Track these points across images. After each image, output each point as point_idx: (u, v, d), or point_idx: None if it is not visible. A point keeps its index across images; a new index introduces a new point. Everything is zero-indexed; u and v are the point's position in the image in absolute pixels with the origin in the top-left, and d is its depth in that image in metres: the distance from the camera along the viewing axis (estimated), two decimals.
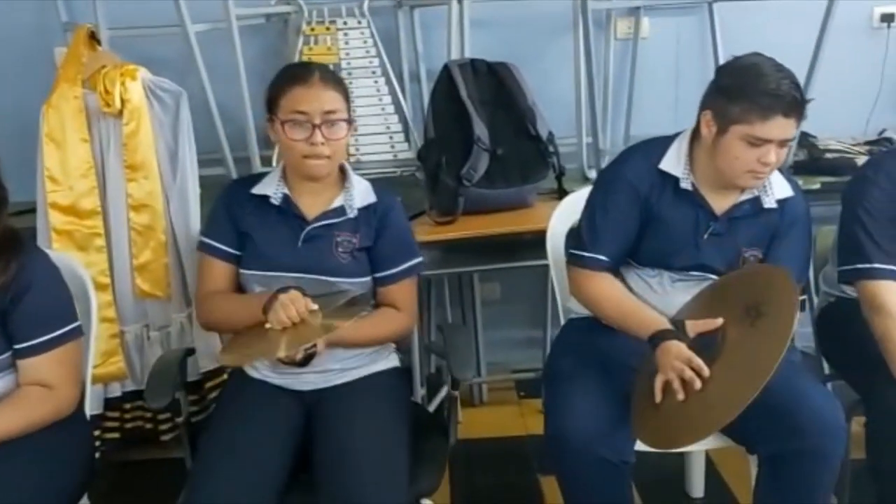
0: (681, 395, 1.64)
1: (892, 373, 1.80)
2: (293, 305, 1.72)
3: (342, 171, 1.93)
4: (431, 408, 2.62)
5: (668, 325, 1.76)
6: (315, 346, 1.75)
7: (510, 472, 2.62)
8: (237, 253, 1.89)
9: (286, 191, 1.88)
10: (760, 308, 1.70)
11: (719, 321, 1.73)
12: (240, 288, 1.91)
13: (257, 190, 1.90)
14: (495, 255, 2.58)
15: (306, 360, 1.79)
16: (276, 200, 1.87)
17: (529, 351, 3.13)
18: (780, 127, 1.72)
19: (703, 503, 2.44)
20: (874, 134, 2.95)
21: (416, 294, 1.97)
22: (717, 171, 1.83)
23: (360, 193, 1.91)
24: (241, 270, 1.88)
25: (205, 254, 1.91)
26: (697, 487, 2.45)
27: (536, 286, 3.00)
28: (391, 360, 1.96)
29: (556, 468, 1.80)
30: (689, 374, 1.64)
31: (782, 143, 1.75)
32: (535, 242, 2.27)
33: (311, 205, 1.88)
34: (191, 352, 2.04)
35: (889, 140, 2.88)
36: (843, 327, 1.98)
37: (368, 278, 1.90)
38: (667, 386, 1.68)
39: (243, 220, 1.88)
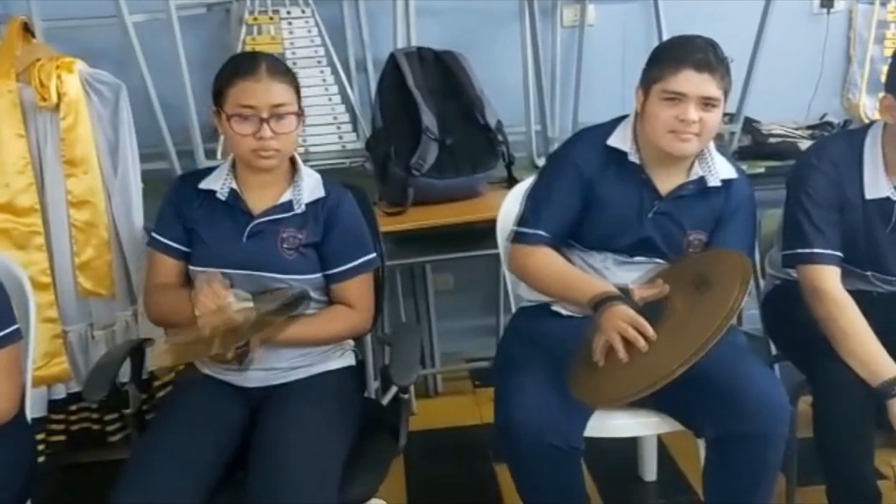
0: (622, 355, 1.65)
1: (836, 353, 1.84)
2: (208, 287, 1.70)
3: (293, 163, 1.89)
4: (385, 400, 2.60)
5: (613, 290, 1.77)
6: (248, 345, 1.71)
7: (466, 462, 2.62)
8: (185, 249, 1.85)
9: (234, 185, 1.84)
10: (708, 279, 1.72)
11: (666, 288, 1.76)
12: (190, 285, 1.85)
13: (204, 185, 1.86)
14: (447, 245, 2.58)
15: (241, 360, 1.76)
16: (222, 195, 1.83)
17: (483, 339, 3.13)
18: (691, 81, 1.76)
19: (655, 486, 2.47)
20: (816, 118, 3.00)
21: (372, 291, 1.92)
22: (650, 143, 1.86)
23: (309, 188, 1.86)
24: (191, 267, 1.84)
25: (153, 249, 1.89)
26: (650, 471, 2.47)
27: (490, 275, 3.00)
28: (346, 359, 1.93)
29: (506, 456, 1.80)
30: (632, 333, 1.65)
31: (703, 103, 1.78)
32: (486, 231, 2.26)
33: (259, 199, 1.84)
34: (147, 341, 1.96)
35: (830, 124, 2.93)
36: (789, 309, 2.01)
37: (318, 275, 1.85)
38: (609, 349, 1.68)
39: (190, 216, 1.85)
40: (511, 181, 2.61)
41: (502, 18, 2.93)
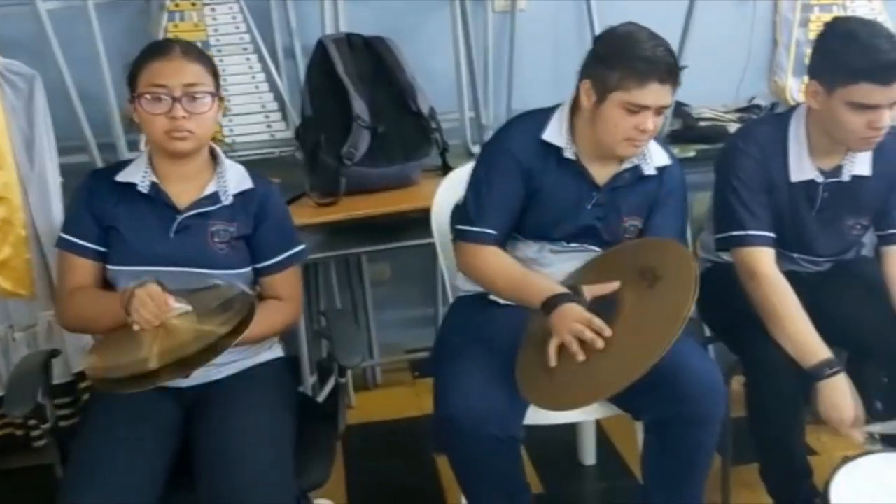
0: (581, 357, 1.64)
1: (768, 333, 1.87)
2: (151, 301, 1.60)
3: (213, 155, 1.84)
4: (322, 396, 2.56)
5: (563, 290, 1.76)
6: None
7: (406, 454, 2.60)
8: (101, 249, 1.77)
9: (154, 178, 1.77)
10: (656, 272, 1.72)
11: (616, 284, 1.74)
12: (108, 286, 1.78)
13: (122, 177, 1.78)
14: (382, 235, 2.53)
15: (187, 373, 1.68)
16: (143, 188, 1.76)
17: (422, 330, 3.10)
18: (656, 93, 1.74)
19: (595, 470, 2.49)
20: (744, 101, 3.04)
21: (301, 283, 1.91)
22: (597, 141, 1.84)
23: (235, 179, 1.82)
24: (110, 267, 1.76)
25: (65, 251, 1.79)
26: (589, 455, 2.49)
27: (427, 264, 2.97)
28: (275, 351, 1.90)
29: (446, 447, 1.78)
30: (589, 334, 1.63)
31: (659, 110, 1.78)
32: (422, 220, 2.24)
33: (182, 192, 1.78)
34: (55, 353, 1.91)
35: (758, 107, 2.97)
36: (721, 291, 2.03)
37: (248, 269, 1.82)
38: (562, 349, 1.67)
39: (108, 213, 1.76)
40: (445, 169, 2.57)
41: (432, 3, 2.87)
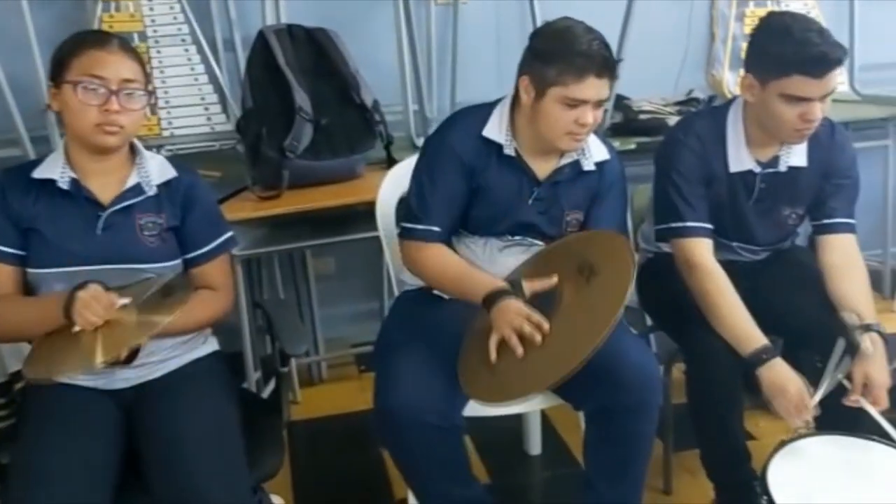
0: (520, 351, 1.64)
1: (707, 322, 1.91)
2: (96, 303, 1.57)
3: (131, 147, 1.79)
4: (267, 392, 2.54)
5: (503, 286, 1.76)
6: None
7: (353, 448, 2.59)
8: (20, 253, 1.68)
9: (73, 174, 1.70)
10: (594, 267, 1.73)
11: (554, 279, 1.75)
12: (29, 290, 1.71)
13: (39, 174, 1.70)
14: (326, 229, 2.51)
15: (131, 358, 1.66)
16: (63, 185, 1.69)
17: (368, 324, 3.09)
18: (594, 87, 1.76)
19: (540, 459, 2.51)
20: (683, 94, 3.10)
21: (231, 271, 1.88)
22: (537, 136, 1.86)
23: (156, 169, 1.77)
24: (32, 270, 1.69)
25: None
26: (535, 445, 2.52)
27: (372, 258, 2.96)
28: (210, 345, 1.87)
29: (386, 439, 1.78)
30: (528, 329, 1.64)
31: (598, 104, 1.80)
32: (366, 214, 2.23)
33: (104, 187, 1.72)
34: None
35: (696, 100, 3.02)
36: (661, 281, 2.07)
37: (178, 261, 1.78)
38: (502, 344, 1.68)
39: (26, 213, 1.68)
40: (390, 162, 2.57)
41: None
